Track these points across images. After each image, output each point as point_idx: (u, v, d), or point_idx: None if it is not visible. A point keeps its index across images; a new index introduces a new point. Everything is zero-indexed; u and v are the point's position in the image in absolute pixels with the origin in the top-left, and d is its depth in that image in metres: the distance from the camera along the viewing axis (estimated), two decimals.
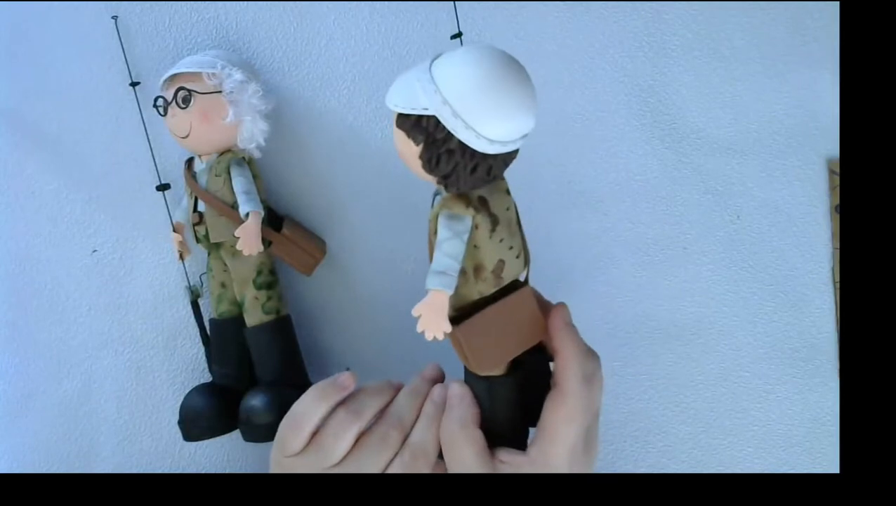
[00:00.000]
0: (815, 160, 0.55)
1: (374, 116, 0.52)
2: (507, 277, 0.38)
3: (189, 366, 0.53)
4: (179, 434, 0.49)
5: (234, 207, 0.47)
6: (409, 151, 0.34)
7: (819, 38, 0.54)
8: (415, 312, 0.35)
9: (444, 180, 0.35)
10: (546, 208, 0.54)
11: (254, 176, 0.48)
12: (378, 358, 0.54)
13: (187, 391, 0.50)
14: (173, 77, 0.46)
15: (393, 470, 0.40)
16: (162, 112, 0.47)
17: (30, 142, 0.52)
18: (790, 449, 0.55)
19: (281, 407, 0.45)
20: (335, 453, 0.40)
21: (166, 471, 0.53)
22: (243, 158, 0.48)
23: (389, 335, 0.53)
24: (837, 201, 0.55)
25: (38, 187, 0.52)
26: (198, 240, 0.49)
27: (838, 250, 0.55)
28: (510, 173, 0.37)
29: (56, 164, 0.52)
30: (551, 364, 0.41)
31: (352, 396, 0.42)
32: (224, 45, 0.52)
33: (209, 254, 0.50)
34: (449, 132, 0.33)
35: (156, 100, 0.47)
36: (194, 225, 0.48)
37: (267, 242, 0.48)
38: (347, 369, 0.42)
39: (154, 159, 0.51)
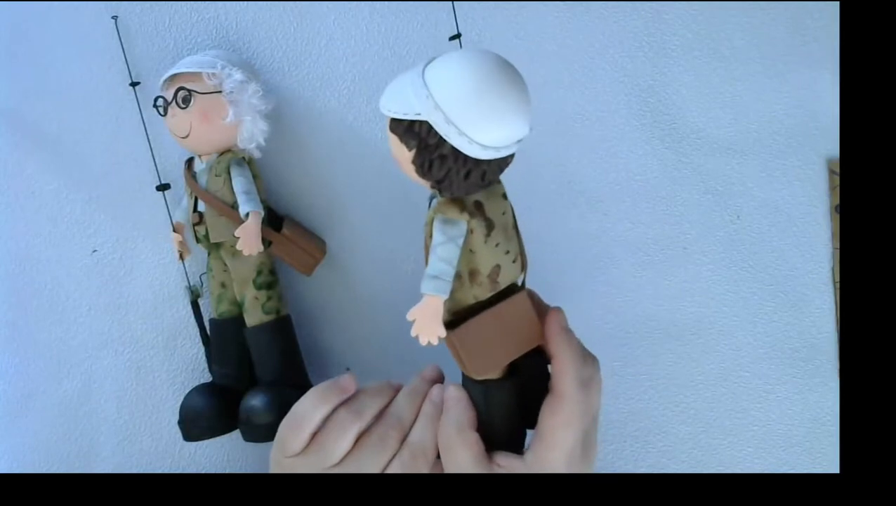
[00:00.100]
0: (815, 160, 0.55)
1: (374, 116, 0.52)
2: (504, 282, 0.38)
3: (189, 366, 0.53)
4: (179, 434, 0.49)
5: (234, 207, 0.47)
6: (403, 155, 0.34)
7: (819, 38, 0.54)
8: (409, 316, 0.35)
9: (438, 185, 0.34)
10: (546, 208, 0.54)
11: (254, 176, 0.48)
12: (378, 358, 0.54)
13: (187, 391, 0.50)
14: (173, 77, 0.46)
15: (392, 470, 0.40)
16: (162, 112, 0.47)
17: (30, 142, 0.52)
18: (790, 449, 0.55)
19: (281, 407, 0.45)
20: (335, 454, 0.40)
21: (166, 471, 0.53)
22: (243, 158, 0.48)
23: (389, 335, 0.53)
24: (837, 201, 0.55)
25: (38, 187, 0.52)
26: (198, 240, 0.49)
27: (838, 250, 0.55)
28: (509, 174, 0.37)
29: (56, 164, 0.52)
30: (549, 367, 0.41)
31: (352, 396, 0.42)
32: (224, 45, 0.52)
33: (209, 254, 0.50)
34: (441, 138, 0.33)
35: (156, 100, 0.47)
36: (194, 225, 0.48)
37: (267, 242, 0.48)
38: (347, 370, 0.42)
39: (154, 159, 0.51)
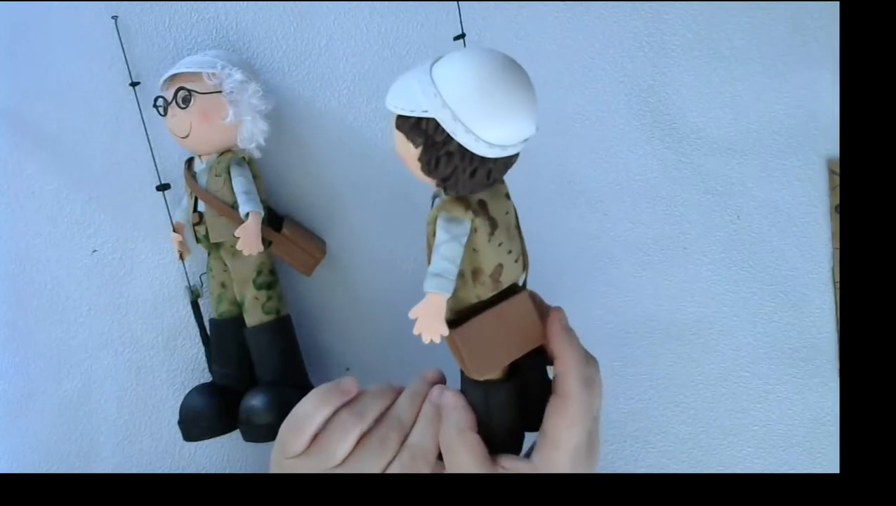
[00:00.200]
0: (815, 160, 0.55)
1: (374, 116, 0.52)
2: (506, 281, 0.38)
3: (189, 366, 0.53)
4: (179, 434, 0.49)
5: (234, 207, 0.47)
6: (409, 152, 0.34)
7: (819, 38, 0.54)
8: (412, 314, 0.35)
9: (444, 183, 0.34)
10: (546, 208, 0.54)
11: (254, 176, 0.48)
12: (378, 358, 0.54)
13: (187, 391, 0.50)
14: (173, 77, 0.46)
15: (392, 471, 0.40)
16: (162, 112, 0.47)
17: (30, 142, 0.52)
18: (790, 449, 0.55)
19: (281, 407, 0.45)
20: (336, 455, 0.40)
21: (166, 471, 0.53)
22: (243, 158, 0.48)
23: (389, 335, 0.53)
24: (837, 201, 0.55)
25: (38, 187, 0.52)
26: (198, 240, 0.49)
27: (838, 250, 0.55)
28: (510, 174, 0.37)
29: (56, 164, 0.52)
30: (549, 368, 0.41)
31: (354, 398, 0.42)
32: (224, 45, 0.52)
33: (209, 254, 0.50)
34: (448, 135, 0.33)
35: (156, 100, 0.47)
36: (194, 225, 0.48)
37: (267, 242, 0.48)
38: (347, 370, 0.42)
39: (154, 159, 0.51)
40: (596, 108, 0.54)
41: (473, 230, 0.35)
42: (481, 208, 0.36)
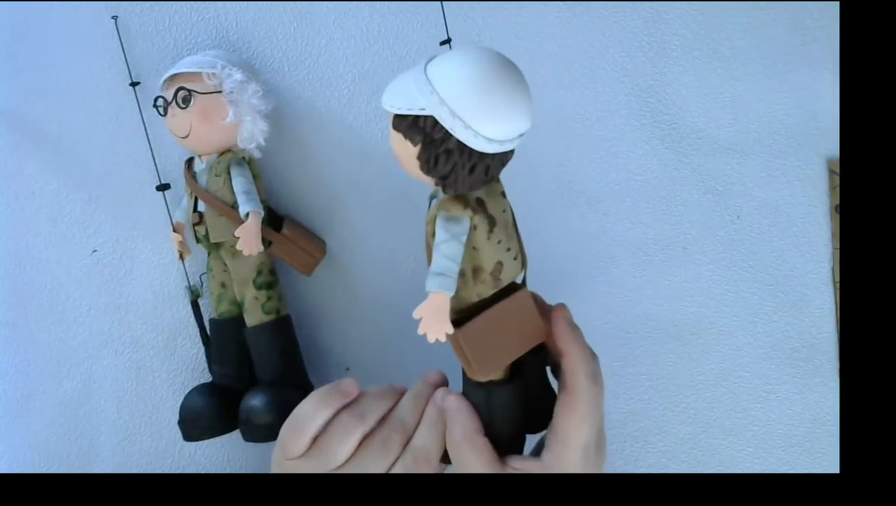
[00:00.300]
0: (815, 160, 0.55)
1: (374, 116, 0.52)
2: (506, 279, 0.38)
3: (189, 366, 0.53)
4: (179, 434, 0.49)
5: (234, 207, 0.47)
6: (407, 152, 0.34)
7: (819, 38, 0.54)
8: (416, 314, 0.35)
9: (443, 181, 0.34)
10: (546, 208, 0.54)
11: (254, 176, 0.48)
12: (378, 358, 0.54)
13: (187, 391, 0.50)
14: (173, 77, 0.46)
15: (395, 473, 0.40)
16: (162, 112, 0.47)
17: (30, 142, 0.52)
18: (790, 449, 0.55)
19: (281, 407, 0.45)
20: (338, 457, 0.40)
21: (166, 471, 0.53)
22: (243, 158, 0.48)
23: (389, 335, 0.53)
24: (837, 201, 0.55)
25: (38, 187, 0.52)
26: (198, 240, 0.49)
27: (838, 250, 0.55)
28: (510, 173, 0.37)
29: (56, 164, 0.52)
30: (548, 369, 0.41)
31: (355, 400, 0.41)
32: (224, 45, 0.52)
33: (209, 254, 0.50)
34: (447, 132, 0.33)
35: (156, 100, 0.47)
36: (194, 225, 0.48)
37: (267, 242, 0.48)
38: (347, 370, 0.42)
39: (154, 159, 0.51)
40: (596, 108, 0.54)
41: (473, 228, 0.36)
42: (480, 206, 0.36)
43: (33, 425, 0.53)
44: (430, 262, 0.35)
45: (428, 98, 0.33)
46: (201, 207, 0.48)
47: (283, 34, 0.52)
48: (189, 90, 0.46)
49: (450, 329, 0.35)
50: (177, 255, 0.51)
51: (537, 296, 0.41)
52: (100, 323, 0.53)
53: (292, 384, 0.49)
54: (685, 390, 0.55)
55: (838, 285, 0.55)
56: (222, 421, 0.49)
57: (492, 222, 0.36)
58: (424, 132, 0.33)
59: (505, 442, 0.39)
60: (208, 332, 0.51)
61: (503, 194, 0.38)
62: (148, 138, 0.51)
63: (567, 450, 0.38)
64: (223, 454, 0.54)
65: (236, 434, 0.48)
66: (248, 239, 0.46)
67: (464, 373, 0.40)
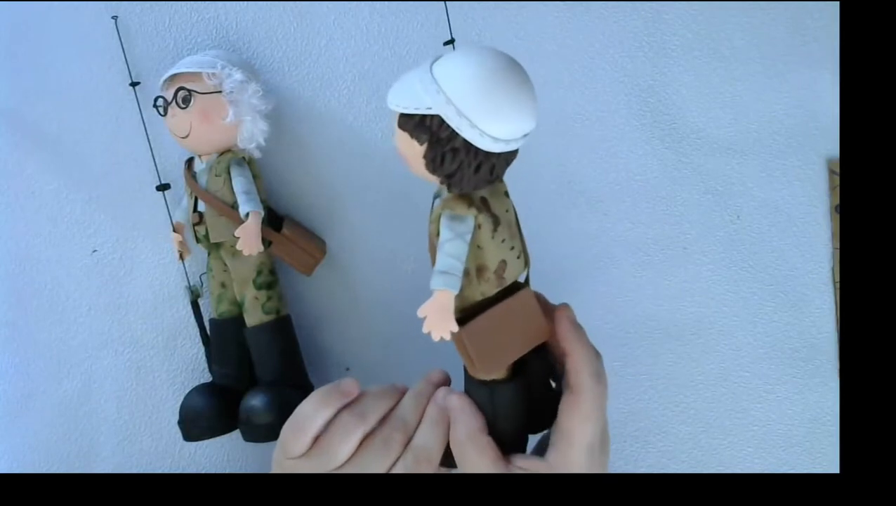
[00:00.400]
0: (815, 160, 0.55)
1: (374, 116, 0.52)
2: (509, 278, 0.38)
3: (189, 366, 0.53)
4: (179, 434, 0.49)
5: (234, 207, 0.47)
6: (412, 151, 0.34)
7: (819, 38, 0.54)
8: (420, 312, 0.35)
9: (448, 180, 0.35)
10: (546, 208, 0.54)
11: (254, 176, 0.48)
12: (378, 358, 0.54)
13: (187, 391, 0.50)
14: (173, 77, 0.46)
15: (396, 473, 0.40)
16: (162, 112, 0.47)
17: (30, 142, 0.52)
18: (790, 449, 0.55)
19: (281, 407, 0.45)
20: (339, 457, 0.40)
21: (166, 471, 0.53)
22: (243, 158, 0.48)
23: (389, 335, 0.53)
24: (837, 201, 0.55)
25: (38, 187, 0.52)
26: (198, 240, 0.49)
27: (838, 250, 0.55)
28: (510, 173, 0.37)
29: (56, 164, 0.52)
30: (555, 364, 0.41)
31: (356, 399, 0.41)
32: (224, 45, 0.52)
33: (209, 254, 0.50)
34: (453, 131, 0.33)
35: (156, 100, 0.47)
36: (194, 225, 0.48)
37: (267, 242, 0.48)
38: (347, 370, 0.42)
39: (154, 159, 0.51)
40: (596, 108, 0.54)
41: (477, 227, 0.36)
42: (484, 205, 0.36)
43: (33, 425, 0.53)
44: (433, 260, 0.35)
45: (434, 97, 0.33)
46: (201, 207, 0.48)
47: (283, 34, 0.52)
48: (189, 90, 0.46)
49: (454, 327, 0.35)
50: (177, 255, 0.51)
51: (540, 295, 0.41)
52: (100, 323, 0.53)
53: (292, 384, 0.49)
54: (685, 390, 0.55)
55: (838, 285, 0.55)
56: (222, 421, 0.49)
57: (496, 221, 0.36)
58: (431, 131, 0.33)
59: (508, 441, 0.39)
60: (208, 332, 0.51)
61: (506, 194, 0.38)
62: (148, 138, 0.51)
63: (572, 449, 0.38)
64: (223, 454, 0.54)
65: (236, 434, 0.48)
66: (248, 239, 0.46)
67: (466, 372, 0.40)
